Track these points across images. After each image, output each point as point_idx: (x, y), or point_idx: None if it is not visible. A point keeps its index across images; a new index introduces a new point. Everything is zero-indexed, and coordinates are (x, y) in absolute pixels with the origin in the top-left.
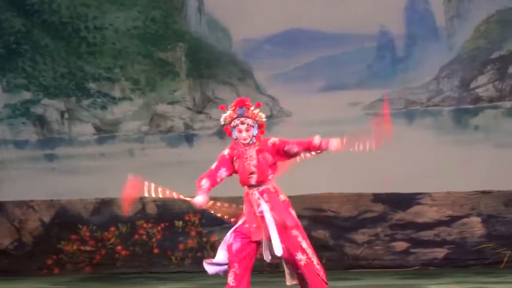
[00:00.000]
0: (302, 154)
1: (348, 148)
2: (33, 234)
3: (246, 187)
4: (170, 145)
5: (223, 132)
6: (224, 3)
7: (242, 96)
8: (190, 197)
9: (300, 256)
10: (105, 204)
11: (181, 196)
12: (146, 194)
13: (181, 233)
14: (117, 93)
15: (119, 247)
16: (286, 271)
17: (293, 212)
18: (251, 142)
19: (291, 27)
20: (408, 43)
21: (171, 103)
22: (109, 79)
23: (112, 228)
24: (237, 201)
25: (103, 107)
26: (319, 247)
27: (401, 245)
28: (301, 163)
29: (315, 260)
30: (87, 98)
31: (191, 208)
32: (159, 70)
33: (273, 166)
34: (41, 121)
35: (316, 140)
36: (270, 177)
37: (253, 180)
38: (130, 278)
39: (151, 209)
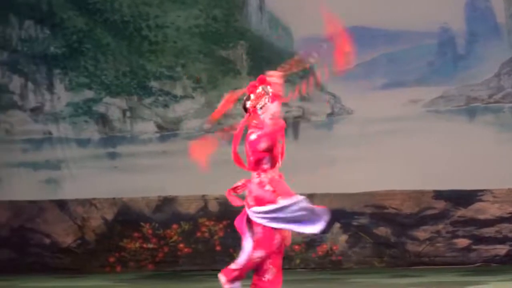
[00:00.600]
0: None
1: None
2: (95, 232)
3: (271, 171)
4: (231, 142)
5: (284, 129)
6: (285, 1)
7: (303, 94)
8: None
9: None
10: (167, 201)
11: None
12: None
13: None
14: (178, 91)
15: (181, 245)
16: None
17: None
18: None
19: (353, 25)
20: (469, 40)
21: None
22: (171, 78)
23: (175, 226)
24: None
25: (165, 105)
26: (381, 244)
27: (462, 242)
28: (361, 160)
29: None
30: (149, 96)
31: None
32: (220, 68)
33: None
34: (103, 120)
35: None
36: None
37: (280, 162)
38: (192, 275)
39: (213, 207)
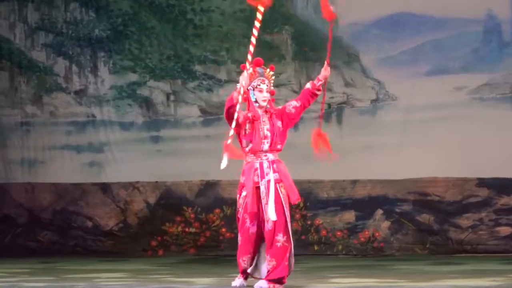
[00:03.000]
0: (307, 103)
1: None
2: (138, 215)
3: (249, 156)
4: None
5: (329, 116)
6: None
7: (348, 80)
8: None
9: (279, 237)
10: (210, 186)
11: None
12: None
13: None
14: (223, 76)
15: (223, 229)
16: (254, 262)
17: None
18: (267, 105)
19: (398, 11)
20: None
21: (277, 86)
22: (215, 62)
23: (217, 210)
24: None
25: (209, 90)
26: (423, 231)
27: (505, 230)
28: (404, 147)
29: (290, 246)
30: (193, 80)
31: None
32: (265, 53)
33: (283, 136)
34: (147, 103)
35: (306, 87)
36: (279, 146)
37: (265, 146)
38: (234, 260)
39: None
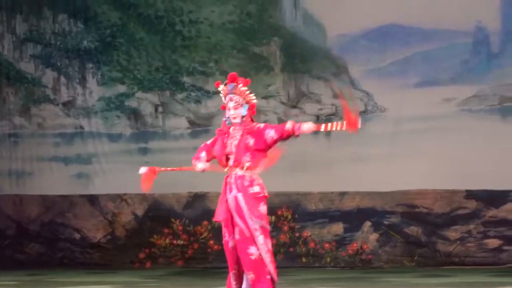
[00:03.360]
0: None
1: (322, 129)
2: (125, 227)
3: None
4: None
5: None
6: None
7: (338, 91)
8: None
9: (252, 250)
10: (198, 198)
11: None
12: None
13: (274, 228)
14: (211, 87)
15: (211, 242)
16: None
17: (262, 208)
18: (240, 121)
19: (387, 22)
20: (503, 39)
21: (266, 97)
22: (203, 73)
23: (205, 222)
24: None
25: (197, 101)
26: (411, 243)
27: (493, 243)
28: (393, 159)
29: (267, 260)
30: (181, 92)
31: (283, 203)
32: (253, 65)
33: (255, 153)
34: (135, 115)
35: (288, 125)
36: (247, 164)
37: (230, 161)
38: (222, 273)
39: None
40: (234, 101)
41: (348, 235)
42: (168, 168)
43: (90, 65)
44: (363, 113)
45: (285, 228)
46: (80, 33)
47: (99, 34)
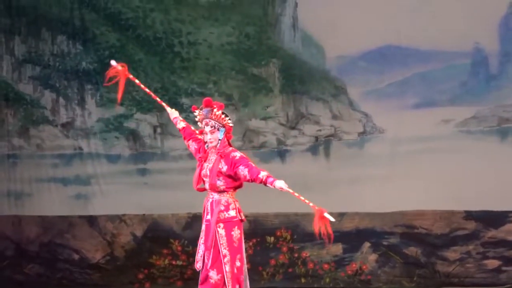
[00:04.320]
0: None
1: (293, 194)
2: (125, 248)
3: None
4: (262, 160)
5: (316, 148)
6: (319, 20)
7: (336, 112)
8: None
9: (212, 274)
10: (197, 218)
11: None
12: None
13: (273, 248)
14: None
15: None
16: None
17: (236, 233)
18: (217, 145)
19: (385, 44)
20: (502, 61)
21: (264, 118)
22: (202, 94)
23: None
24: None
25: (196, 122)
26: (410, 264)
27: (493, 263)
28: (392, 180)
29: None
30: (180, 113)
31: (282, 224)
32: (252, 86)
33: (227, 179)
34: (134, 136)
35: (262, 174)
36: (221, 188)
37: (206, 185)
38: None
39: (244, 224)
40: (210, 126)
41: (347, 255)
42: (141, 85)
43: (89, 86)
44: (362, 134)
45: (284, 248)
46: (79, 54)
47: (98, 56)
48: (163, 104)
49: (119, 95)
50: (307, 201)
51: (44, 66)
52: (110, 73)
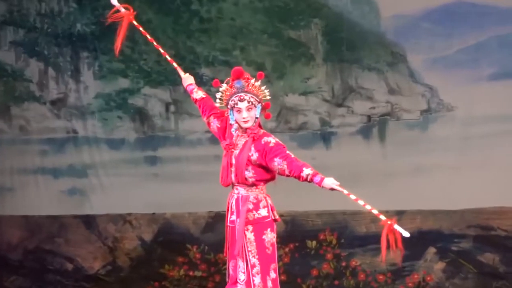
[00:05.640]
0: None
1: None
2: (130, 256)
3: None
4: (302, 145)
5: (368, 130)
6: None
7: (393, 85)
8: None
9: (240, 275)
10: (219, 218)
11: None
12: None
13: (315, 255)
14: None
15: None
16: None
17: (269, 236)
18: (252, 125)
19: (454, 0)
20: None
21: (304, 93)
22: (227, 64)
23: None
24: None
25: (219, 99)
26: (486, 274)
27: None
28: (463, 169)
29: None
30: (199, 86)
31: (327, 225)
32: (289, 53)
33: (258, 169)
34: (141, 115)
35: (306, 172)
36: (251, 180)
37: (232, 176)
38: None
39: (278, 226)
40: (246, 101)
41: (407, 264)
42: (147, 35)
43: (85, 54)
44: (426, 112)
45: (329, 255)
46: (72, 14)
47: (95, 16)
48: (175, 65)
49: (118, 43)
50: (368, 207)
51: (29, 29)
52: (113, 17)
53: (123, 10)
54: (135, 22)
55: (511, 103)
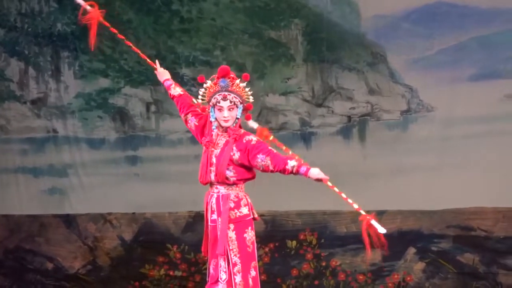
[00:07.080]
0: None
1: (332, 188)
2: (110, 255)
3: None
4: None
5: (348, 130)
6: None
7: (373, 86)
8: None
9: (222, 275)
10: (200, 218)
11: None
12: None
13: (295, 255)
14: None
15: None
16: None
17: (249, 235)
18: (232, 125)
19: (435, 0)
20: None
21: (284, 93)
22: (208, 64)
23: None
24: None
25: (201, 95)
26: (466, 274)
27: None
28: (443, 170)
29: None
30: (180, 86)
31: (307, 225)
32: (269, 53)
33: (239, 169)
34: (121, 115)
35: (291, 164)
36: (232, 179)
37: (211, 175)
38: None
39: (257, 225)
40: (229, 101)
41: (387, 264)
42: (116, 32)
43: (66, 54)
44: (406, 112)
45: (309, 256)
46: (53, 14)
47: (76, 15)
48: (149, 61)
49: (91, 42)
50: (350, 200)
51: (9, 29)
52: (84, 19)
53: (88, 7)
54: (102, 20)
55: (491, 104)
